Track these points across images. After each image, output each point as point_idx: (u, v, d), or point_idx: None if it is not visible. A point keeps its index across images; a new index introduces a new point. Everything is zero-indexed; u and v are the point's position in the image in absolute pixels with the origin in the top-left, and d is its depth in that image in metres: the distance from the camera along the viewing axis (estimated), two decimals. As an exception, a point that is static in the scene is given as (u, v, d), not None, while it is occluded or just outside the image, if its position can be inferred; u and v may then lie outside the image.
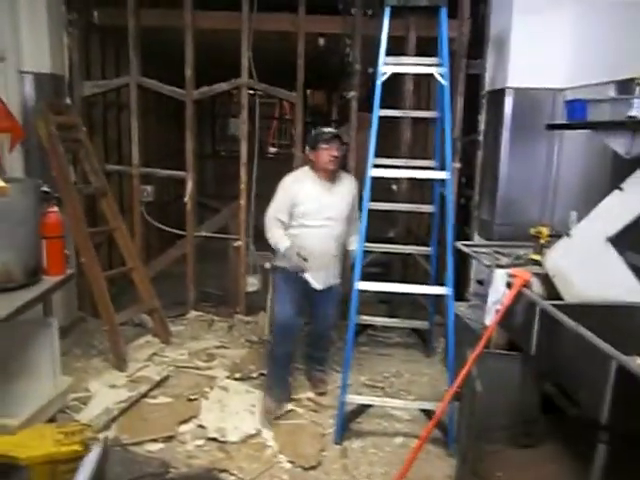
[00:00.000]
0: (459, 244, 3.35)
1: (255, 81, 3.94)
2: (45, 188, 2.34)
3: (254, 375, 3.39)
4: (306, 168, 3.05)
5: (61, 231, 2.42)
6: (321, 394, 3.20)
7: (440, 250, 3.65)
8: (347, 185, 3.06)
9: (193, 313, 4.16)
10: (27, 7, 3.24)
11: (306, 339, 3.40)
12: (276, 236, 2.89)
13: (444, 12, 2.74)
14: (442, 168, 3.10)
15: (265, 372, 3.31)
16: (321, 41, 4.37)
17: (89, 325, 3.90)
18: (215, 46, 4.69)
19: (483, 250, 3.31)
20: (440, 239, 3.59)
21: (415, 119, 4.22)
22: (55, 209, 2.40)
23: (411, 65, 3.03)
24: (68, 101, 3.63)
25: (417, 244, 4.64)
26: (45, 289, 2.29)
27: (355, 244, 2.93)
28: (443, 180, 2.83)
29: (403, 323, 3.97)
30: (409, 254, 4.13)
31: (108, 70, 4.46)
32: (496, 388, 2.50)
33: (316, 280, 2.95)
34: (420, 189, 4.85)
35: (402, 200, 4.37)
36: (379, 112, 2.96)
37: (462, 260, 3.76)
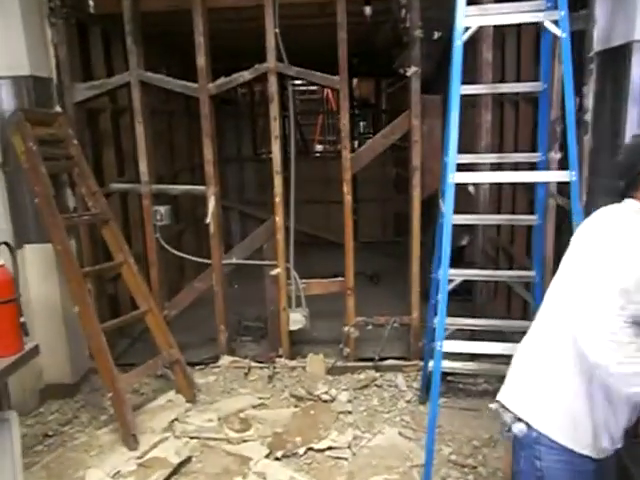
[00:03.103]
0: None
1: (286, 65, 3.10)
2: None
3: (300, 451, 2.57)
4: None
5: (10, 293, 1.69)
6: None
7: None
8: None
9: (226, 359, 3.39)
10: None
11: None
12: None
13: None
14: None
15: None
16: (367, 10, 3.45)
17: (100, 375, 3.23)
18: (238, 31, 3.92)
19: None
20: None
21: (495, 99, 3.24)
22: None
23: (506, 14, 2.07)
24: (58, 108, 2.96)
25: (510, 262, 3.68)
26: (-16, 381, 1.57)
27: None
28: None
29: (495, 370, 2.98)
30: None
31: (118, 69, 3.77)
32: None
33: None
34: (504, 189, 3.82)
35: (484, 206, 3.42)
36: (460, 89, 2.06)
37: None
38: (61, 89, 3.00)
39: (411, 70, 2.96)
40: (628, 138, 2.68)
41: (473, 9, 2.01)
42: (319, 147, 9.49)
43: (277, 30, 3.04)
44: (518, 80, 3.54)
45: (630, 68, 2.58)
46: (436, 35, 2.88)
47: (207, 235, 3.36)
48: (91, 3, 3.17)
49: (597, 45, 2.91)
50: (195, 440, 2.67)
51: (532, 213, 3.43)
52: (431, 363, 2.93)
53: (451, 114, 2.05)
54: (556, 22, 1.97)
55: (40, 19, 2.86)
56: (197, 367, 3.35)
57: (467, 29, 2.05)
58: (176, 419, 2.83)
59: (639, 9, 2.55)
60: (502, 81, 3.50)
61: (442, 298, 2.08)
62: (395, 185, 7.07)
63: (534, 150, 3.48)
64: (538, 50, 3.50)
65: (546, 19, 1.98)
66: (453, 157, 2.07)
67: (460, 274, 2.56)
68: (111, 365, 2.55)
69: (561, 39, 1.97)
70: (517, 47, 3.64)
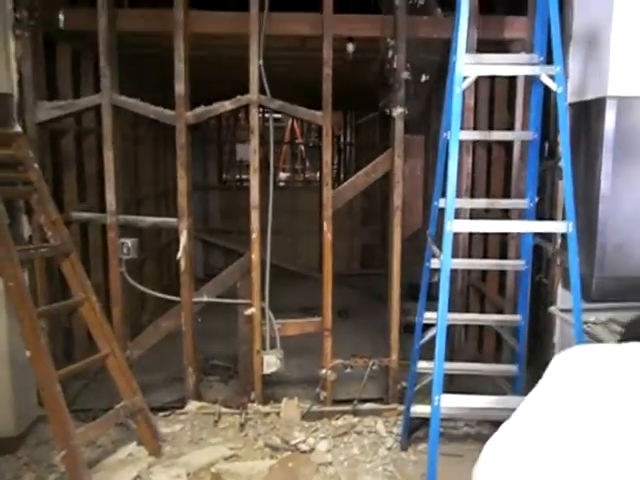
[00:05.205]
0: (555, 310, 2.50)
1: (268, 97, 3.01)
2: None
3: (281, 513, 2.37)
4: None
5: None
6: None
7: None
8: None
9: (194, 404, 3.13)
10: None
11: None
12: None
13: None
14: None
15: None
16: (350, 47, 3.44)
17: (51, 429, 2.89)
18: (219, 59, 3.82)
19: (591, 318, 2.46)
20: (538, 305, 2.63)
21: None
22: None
23: (503, 65, 2.09)
24: (18, 128, 2.70)
25: (482, 300, 3.70)
26: None
27: None
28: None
29: (477, 414, 2.91)
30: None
31: (85, 90, 3.54)
32: None
33: None
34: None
35: (463, 248, 3.40)
36: (460, 134, 2.03)
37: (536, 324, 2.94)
38: (22, 107, 2.74)
39: (397, 111, 2.94)
40: (604, 182, 2.79)
41: (470, 57, 2.02)
42: (283, 175, 9.43)
43: (261, 62, 2.96)
44: (491, 126, 3.65)
45: (604, 122, 2.70)
46: (424, 78, 2.89)
47: (169, 265, 3.14)
48: (61, 17, 2.97)
49: (570, 97, 3.04)
50: (161, 502, 2.41)
51: (505, 252, 3.49)
52: (413, 409, 2.84)
53: (450, 160, 2.01)
54: (555, 77, 2.00)
55: (3, 29, 2.62)
56: (161, 413, 3.07)
57: (465, 78, 2.06)
58: (138, 476, 2.54)
59: (610, 65, 2.69)
60: (475, 128, 3.58)
61: (439, 347, 2.00)
62: (362, 218, 7.11)
63: (507, 194, 3.56)
64: (510, 98, 3.65)
65: (542, 73, 2.01)
66: (451, 204, 2.03)
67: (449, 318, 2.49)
68: (67, 418, 2.26)
69: (557, 94, 2.00)
70: (490, 94, 3.77)
